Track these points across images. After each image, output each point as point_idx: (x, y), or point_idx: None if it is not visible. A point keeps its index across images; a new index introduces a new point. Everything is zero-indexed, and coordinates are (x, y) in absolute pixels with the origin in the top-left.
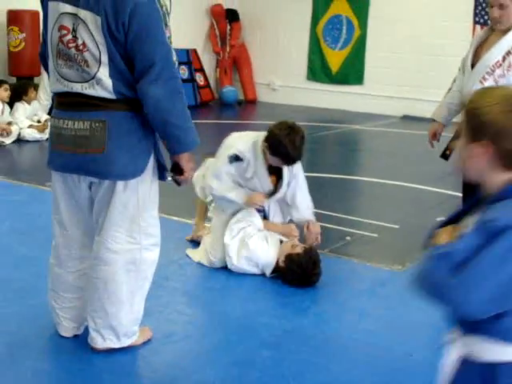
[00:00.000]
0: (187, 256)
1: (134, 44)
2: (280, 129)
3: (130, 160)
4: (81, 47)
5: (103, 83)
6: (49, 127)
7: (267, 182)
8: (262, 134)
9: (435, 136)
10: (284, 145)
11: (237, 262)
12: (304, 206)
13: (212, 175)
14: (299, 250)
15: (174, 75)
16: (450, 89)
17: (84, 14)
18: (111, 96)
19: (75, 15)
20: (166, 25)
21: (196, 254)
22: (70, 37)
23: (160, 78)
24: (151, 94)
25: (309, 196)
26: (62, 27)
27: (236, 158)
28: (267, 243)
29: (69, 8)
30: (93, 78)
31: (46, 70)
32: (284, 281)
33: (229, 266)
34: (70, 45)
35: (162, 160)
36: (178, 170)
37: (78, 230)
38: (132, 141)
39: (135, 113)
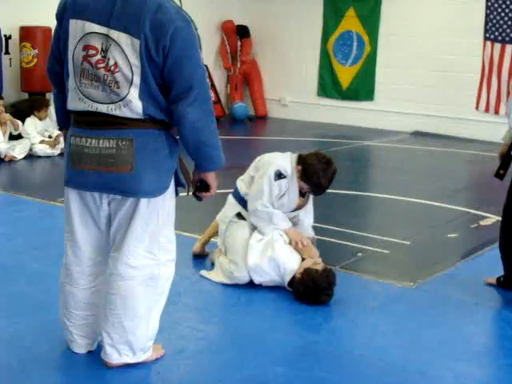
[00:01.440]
0: (202, 276)
1: (173, 67)
2: (318, 160)
3: (156, 177)
4: (112, 68)
5: (132, 105)
6: (61, 143)
7: (295, 201)
8: (295, 156)
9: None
10: (319, 176)
11: (260, 260)
12: (306, 224)
13: (255, 196)
14: (319, 267)
15: (208, 97)
16: None
17: (117, 35)
18: (139, 117)
19: (105, 35)
20: (199, 47)
21: (213, 275)
22: (98, 57)
23: (197, 101)
24: (189, 116)
25: (312, 214)
26: (88, 47)
27: (279, 176)
28: (291, 251)
29: (97, 28)
30: (122, 99)
31: (56, 85)
32: (296, 295)
33: (249, 264)
34: (99, 65)
35: (180, 177)
36: (204, 186)
37: (90, 247)
38: (158, 159)
39: (161, 131)
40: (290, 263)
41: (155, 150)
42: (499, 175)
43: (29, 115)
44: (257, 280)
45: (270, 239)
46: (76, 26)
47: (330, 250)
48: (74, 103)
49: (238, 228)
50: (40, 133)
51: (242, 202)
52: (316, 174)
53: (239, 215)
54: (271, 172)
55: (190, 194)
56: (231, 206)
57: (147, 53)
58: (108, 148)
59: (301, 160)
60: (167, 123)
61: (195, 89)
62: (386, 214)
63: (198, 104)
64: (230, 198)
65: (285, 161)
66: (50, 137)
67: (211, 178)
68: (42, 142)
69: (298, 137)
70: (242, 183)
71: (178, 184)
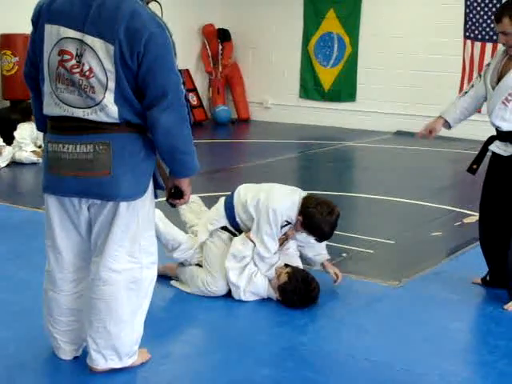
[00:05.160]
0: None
1: (147, 73)
2: (321, 212)
3: (135, 181)
4: (87, 73)
5: (108, 110)
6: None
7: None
8: (300, 199)
9: (431, 133)
10: (322, 229)
11: (244, 297)
12: (291, 253)
13: (264, 245)
14: (284, 277)
15: (183, 103)
16: (465, 92)
17: (92, 40)
18: (115, 121)
19: (80, 40)
20: (174, 54)
21: (184, 286)
22: (73, 62)
23: (171, 107)
24: (162, 121)
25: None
26: (63, 52)
27: (286, 223)
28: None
29: (71, 33)
30: (97, 104)
31: (32, 90)
32: (288, 307)
33: (236, 298)
34: (74, 70)
35: (159, 179)
36: (178, 193)
37: (72, 252)
38: (135, 161)
39: (137, 134)
40: (270, 290)
41: (132, 152)
42: (472, 170)
43: (13, 122)
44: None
45: (249, 273)
46: (51, 31)
47: None
48: (50, 108)
49: (221, 242)
50: (33, 140)
51: (232, 219)
52: (319, 227)
53: (224, 227)
54: (278, 221)
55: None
56: (219, 216)
57: (122, 58)
58: (85, 153)
59: (303, 211)
60: (143, 127)
61: (169, 95)
62: (369, 213)
63: (172, 110)
64: (221, 207)
65: (290, 208)
66: (39, 146)
67: (185, 184)
68: (33, 151)
69: (281, 139)
70: (239, 206)
71: (156, 187)
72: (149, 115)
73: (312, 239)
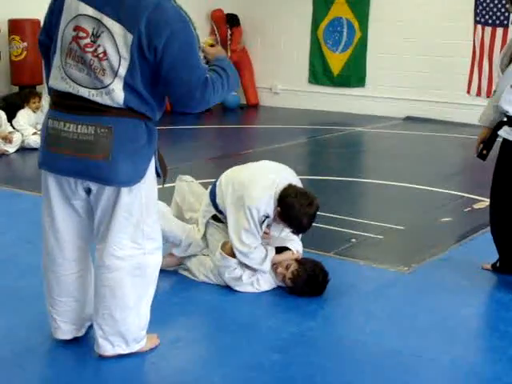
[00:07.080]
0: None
1: (170, 70)
2: (299, 203)
3: (133, 166)
4: (101, 55)
5: (114, 94)
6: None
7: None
8: (277, 192)
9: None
10: (301, 220)
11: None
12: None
13: (243, 240)
14: (288, 282)
15: (210, 92)
16: (494, 91)
17: (112, 23)
18: (119, 106)
19: (98, 21)
20: (198, 47)
21: (191, 274)
22: (87, 41)
23: (201, 103)
24: (205, 107)
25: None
26: (78, 28)
27: (265, 217)
28: (272, 277)
29: (90, 11)
30: (104, 87)
31: (44, 58)
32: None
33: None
34: (87, 49)
35: (157, 166)
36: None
37: (72, 232)
38: (136, 148)
39: (140, 120)
40: (278, 282)
41: (133, 139)
42: (482, 155)
43: (20, 108)
44: None
45: (249, 282)
46: (71, 5)
47: (323, 236)
48: (56, 81)
49: (217, 232)
50: (32, 126)
51: (216, 207)
52: (297, 218)
53: (215, 217)
54: (255, 216)
55: (165, 186)
56: (207, 205)
57: (139, 49)
58: (86, 134)
59: (282, 201)
60: (147, 115)
61: (196, 93)
62: (379, 199)
63: (203, 105)
64: (207, 197)
65: (267, 203)
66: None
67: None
68: (34, 134)
69: (290, 124)
70: (219, 189)
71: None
72: (181, 110)
73: (289, 231)
